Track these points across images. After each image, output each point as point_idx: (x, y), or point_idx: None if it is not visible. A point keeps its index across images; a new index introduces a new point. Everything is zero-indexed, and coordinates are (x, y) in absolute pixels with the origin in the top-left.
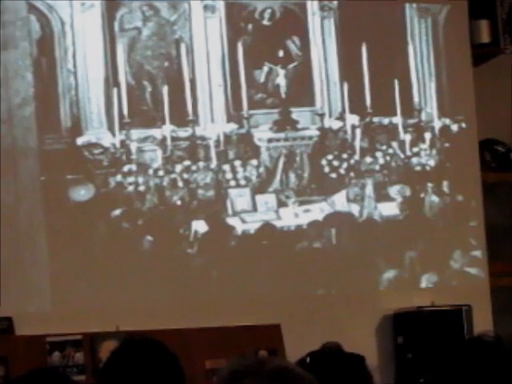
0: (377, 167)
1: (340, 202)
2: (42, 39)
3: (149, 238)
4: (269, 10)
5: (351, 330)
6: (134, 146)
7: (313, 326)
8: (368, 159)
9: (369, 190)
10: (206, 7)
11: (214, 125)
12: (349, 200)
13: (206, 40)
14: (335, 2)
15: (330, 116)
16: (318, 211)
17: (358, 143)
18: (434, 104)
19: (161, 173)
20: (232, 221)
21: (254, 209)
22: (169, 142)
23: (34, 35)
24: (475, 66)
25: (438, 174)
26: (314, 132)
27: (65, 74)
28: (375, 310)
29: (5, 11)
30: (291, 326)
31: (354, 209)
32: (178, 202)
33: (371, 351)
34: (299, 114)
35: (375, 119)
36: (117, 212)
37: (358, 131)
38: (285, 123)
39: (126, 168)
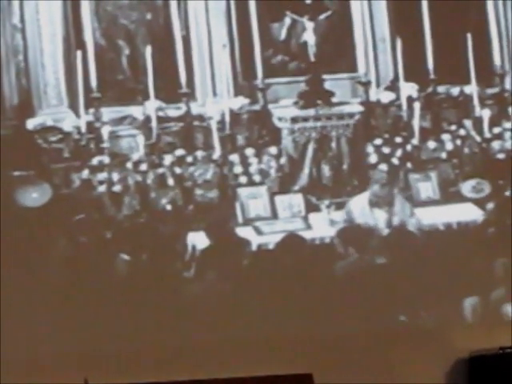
0: (443, 155)
1: (396, 203)
2: None
3: (125, 257)
4: None
5: (411, 378)
6: (105, 131)
7: (357, 373)
8: (431, 144)
9: (433, 186)
10: None
11: (216, 100)
12: (410, 201)
13: None
14: None
15: (378, 85)
16: None
17: (416, 122)
18: None
19: (143, 166)
20: (243, 232)
21: (274, 215)
22: (154, 123)
23: None
24: None
25: None
26: (355, 108)
27: (9, 31)
28: (444, 352)
29: None
30: (327, 375)
31: (415, 213)
32: (168, 207)
33: None
34: (335, 84)
35: (440, 89)
36: (82, 221)
37: (417, 105)
38: (315, 96)
39: (95, 160)
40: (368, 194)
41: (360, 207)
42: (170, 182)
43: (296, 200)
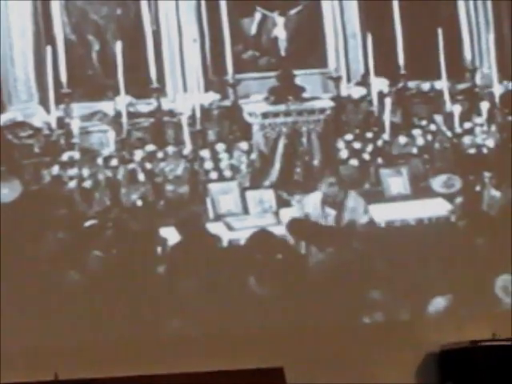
0: (414, 150)
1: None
2: None
3: (97, 253)
4: None
5: (381, 372)
6: (76, 126)
7: (328, 367)
8: (402, 139)
9: (404, 181)
10: None
11: (186, 95)
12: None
13: None
14: None
15: (349, 81)
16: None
17: (387, 117)
18: (492, 62)
19: (114, 162)
20: (214, 227)
21: (245, 210)
22: (124, 119)
23: None
24: None
25: (499, 158)
26: (326, 103)
27: None
28: (414, 346)
29: None
30: (298, 368)
31: (385, 208)
32: (139, 203)
33: None
34: (306, 79)
35: (411, 84)
36: (53, 218)
37: (388, 101)
38: (286, 91)
39: (65, 156)
40: (321, 192)
41: (313, 204)
42: (141, 177)
43: (267, 195)
